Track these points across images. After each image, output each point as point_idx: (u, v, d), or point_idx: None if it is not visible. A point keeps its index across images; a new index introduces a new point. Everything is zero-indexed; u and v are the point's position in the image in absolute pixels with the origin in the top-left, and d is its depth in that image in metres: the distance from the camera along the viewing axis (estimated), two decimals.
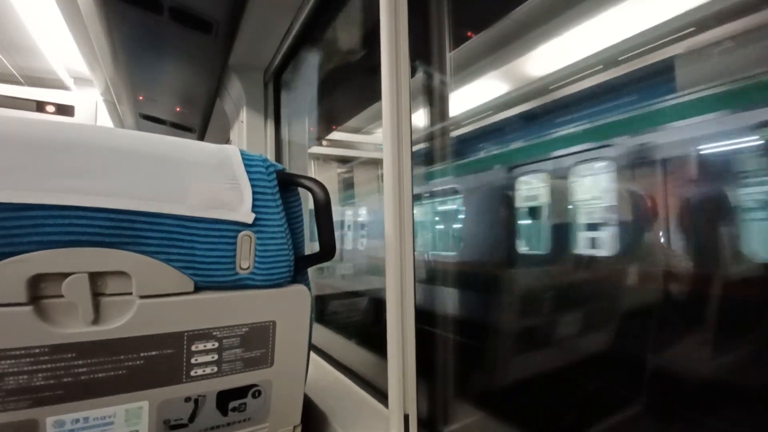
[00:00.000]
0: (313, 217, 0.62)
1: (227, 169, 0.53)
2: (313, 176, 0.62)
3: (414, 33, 0.78)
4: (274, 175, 0.57)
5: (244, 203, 0.53)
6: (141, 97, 2.15)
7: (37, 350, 0.42)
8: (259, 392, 0.58)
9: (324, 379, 1.01)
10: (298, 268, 0.61)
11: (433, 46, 0.99)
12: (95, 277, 0.45)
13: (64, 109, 2.99)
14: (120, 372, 0.47)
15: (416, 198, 0.77)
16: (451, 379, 0.96)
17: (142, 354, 0.48)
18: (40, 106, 2.92)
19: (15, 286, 0.41)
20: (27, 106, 2.91)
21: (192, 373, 0.51)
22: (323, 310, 2.18)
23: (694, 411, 0.98)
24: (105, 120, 3.19)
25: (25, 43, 2.99)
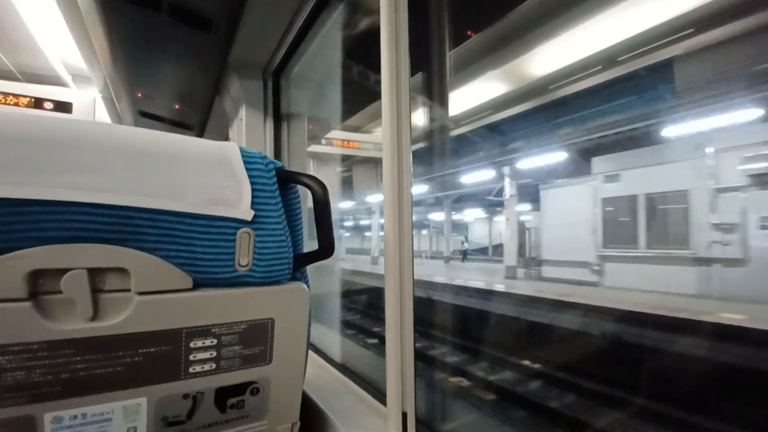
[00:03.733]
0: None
1: (227, 166, 0.53)
2: (312, 174, 0.62)
3: (414, 32, 0.78)
4: (274, 173, 0.57)
5: (244, 200, 0.53)
6: (139, 95, 2.14)
7: (35, 346, 0.42)
8: (258, 389, 0.58)
9: (322, 377, 1.01)
10: (297, 266, 0.61)
11: (433, 45, 0.99)
12: (94, 274, 0.45)
13: (62, 106, 2.97)
14: (118, 368, 0.47)
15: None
16: None
17: (140, 350, 0.48)
18: (38, 103, 2.91)
19: (13, 282, 0.41)
20: (25, 103, 2.89)
21: (190, 370, 0.51)
22: None
23: None
24: (103, 117, 3.18)
25: (23, 40, 2.97)
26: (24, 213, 0.41)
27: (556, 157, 8.99)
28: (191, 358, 0.51)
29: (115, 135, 0.48)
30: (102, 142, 0.46)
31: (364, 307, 8.41)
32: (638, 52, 5.54)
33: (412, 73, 0.80)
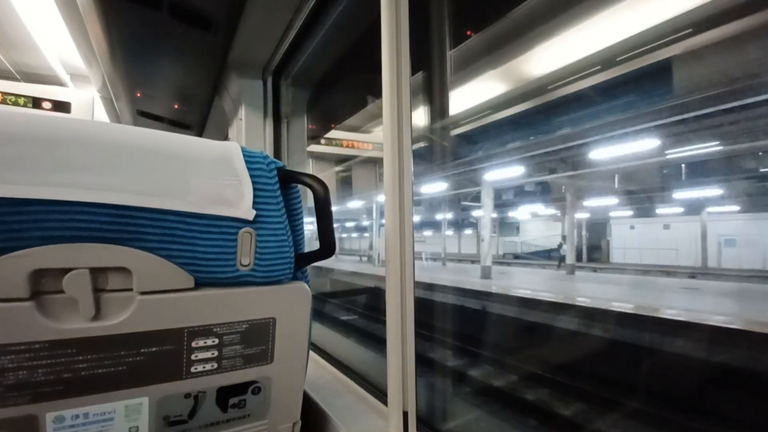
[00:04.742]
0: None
1: (228, 165, 0.53)
2: (312, 173, 0.62)
3: (415, 31, 0.78)
4: (275, 172, 0.57)
5: (245, 200, 0.53)
6: (139, 94, 2.14)
7: (37, 345, 0.42)
8: (259, 389, 0.58)
9: (323, 377, 1.01)
10: (298, 266, 0.61)
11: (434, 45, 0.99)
12: (96, 273, 0.45)
13: (61, 106, 2.96)
14: (120, 368, 0.47)
15: None
16: None
17: (142, 350, 0.48)
18: (36, 103, 2.90)
19: (16, 281, 0.41)
20: (23, 103, 2.88)
21: (192, 370, 0.51)
22: None
23: None
24: (101, 117, 3.17)
25: (22, 40, 2.96)
26: (26, 212, 0.41)
27: None
28: (193, 357, 0.51)
29: (117, 134, 0.48)
30: (104, 141, 0.46)
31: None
32: None
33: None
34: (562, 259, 13.35)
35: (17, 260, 0.41)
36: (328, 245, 0.61)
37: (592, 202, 14.93)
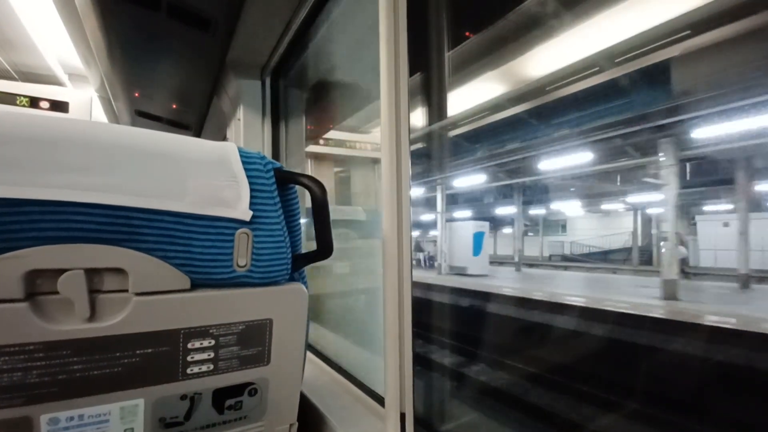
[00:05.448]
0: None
1: (225, 166, 0.53)
2: (310, 174, 0.62)
3: (413, 32, 0.78)
4: (272, 173, 0.57)
5: (242, 201, 0.53)
6: (137, 94, 2.14)
7: (32, 347, 0.42)
8: (256, 390, 0.58)
9: (320, 378, 1.01)
10: (296, 267, 0.60)
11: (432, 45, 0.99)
12: (91, 274, 0.45)
13: (59, 106, 2.95)
14: (115, 369, 0.47)
15: None
16: None
17: (137, 351, 0.47)
18: (34, 102, 2.89)
19: (11, 282, 0.41)
20: (21, 102, 2.88)
21: (188, 371, 0.51)
22: None
23: None
24: (100, 116, 3.17)
25: (20, 40, 2.96)
26: (21, 213, 0.41)
27: None
28: (189, 359, 0.51)
29: (114, 135, 0.48)
30: (100, 141, 0.46)
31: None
32: None
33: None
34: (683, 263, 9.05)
35: (12, 261, 0.41)
36: (325, 246, 0.61)
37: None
